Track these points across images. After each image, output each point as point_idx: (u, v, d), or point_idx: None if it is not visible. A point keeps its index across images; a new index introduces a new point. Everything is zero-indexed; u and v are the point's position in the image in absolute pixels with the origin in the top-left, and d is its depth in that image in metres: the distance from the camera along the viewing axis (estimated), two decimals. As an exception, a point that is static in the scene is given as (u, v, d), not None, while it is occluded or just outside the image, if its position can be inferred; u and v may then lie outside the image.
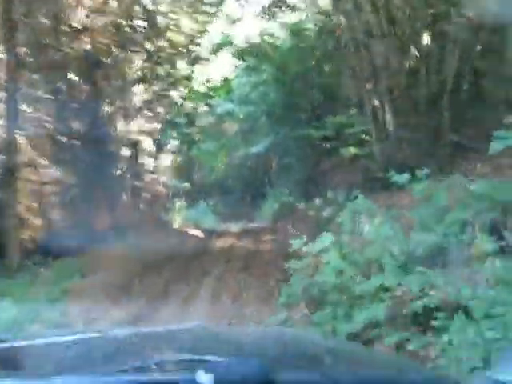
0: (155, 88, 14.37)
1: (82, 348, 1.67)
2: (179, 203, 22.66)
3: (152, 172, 15.34)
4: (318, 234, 5.75)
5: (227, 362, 1.25)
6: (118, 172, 14.59)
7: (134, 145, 14.68)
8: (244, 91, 21.64)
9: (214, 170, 35.87)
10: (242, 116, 23.10)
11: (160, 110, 15.22)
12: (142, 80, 14.07)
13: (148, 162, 15.51)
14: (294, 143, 22.37)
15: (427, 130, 10.06)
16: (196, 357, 1.33)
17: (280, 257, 7.51)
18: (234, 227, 21.90)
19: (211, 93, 20.53)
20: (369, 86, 11.29)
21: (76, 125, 12.73)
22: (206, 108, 21.14)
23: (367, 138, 12.30)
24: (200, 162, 25.08)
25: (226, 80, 21.22)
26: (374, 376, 1.43)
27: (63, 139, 12.38)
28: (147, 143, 15.12)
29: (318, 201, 13.32)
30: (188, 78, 20.23)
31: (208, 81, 20.99)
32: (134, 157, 14.96)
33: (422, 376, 1.53)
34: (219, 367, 1.21)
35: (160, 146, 15.91)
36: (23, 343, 1.71)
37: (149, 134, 14.76)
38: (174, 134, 18.55)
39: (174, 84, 15.76)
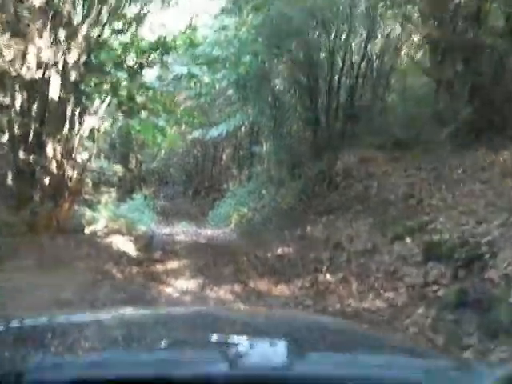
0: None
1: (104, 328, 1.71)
2: (106, 196, 16.26)
3: (60, 142, 8.94)
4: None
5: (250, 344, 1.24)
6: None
7: (31, 86, 8.33)
8: (214, 46, 15.64)
9: (160, 152, 29.40)
10: (206, 81, 16.97)
11: (82, 33, 8.76)
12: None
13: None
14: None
15: None
16: (218, 338, 1.32)
17: None
18: (183, 233, 15.83)
19: (168, 43, 14.12)
20: None
21: None
22: (157, 64, 14.78)
23: None
24: (141, 139, 18.60)
25: (190, 27, 14.90)
26: (395, 361, 1.36)
27: None
28: (55, 90, 8.69)
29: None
30: (137, 20, 13.96)
31: (164, 26, 14.60)
32: (29, 111, 8.67)
33: (445, 364, 1.46)
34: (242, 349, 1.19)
35: (78, 100, 9.54)
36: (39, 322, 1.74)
37: (58, 70, 8.41)
38: (105, 89, 12.14)
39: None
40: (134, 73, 14.00)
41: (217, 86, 17.80)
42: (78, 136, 9.30)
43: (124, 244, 10.98)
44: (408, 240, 6.14)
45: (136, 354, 1.21)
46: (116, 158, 24.07)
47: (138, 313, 2.02)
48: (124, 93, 14.43)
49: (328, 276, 6.25)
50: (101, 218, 14.48)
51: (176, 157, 32.86)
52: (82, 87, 10.32)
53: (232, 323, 1.85)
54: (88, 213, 13.46)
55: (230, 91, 18.57)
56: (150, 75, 15.44)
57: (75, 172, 9.22)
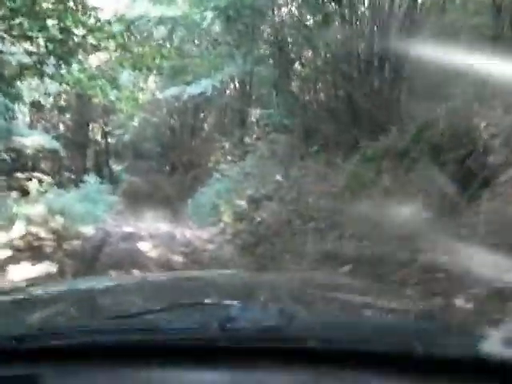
0: None
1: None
2: (35, 182, 10.88)
3: None
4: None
5: (235, 308, 1.25)
6: None
7: None
8: None
9: (132, 121, 23.96)
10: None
11: None
12: None
13: None
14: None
15: None
16: (208, 300, 1.34)
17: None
18: (152, 236, 10.52)
19: None
20: None
21: None
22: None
23: None
24: (87, 97, 13.10)
25: None
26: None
27: None
28: None
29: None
30: None
31: None
32: None
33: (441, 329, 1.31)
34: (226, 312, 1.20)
35: None
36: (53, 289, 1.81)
37: None
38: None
39: None
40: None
41: (197, 20, 12.28)
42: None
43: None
44: None
45: (126, 320, 1.22)
46: (69, 128, 18.65)
47: (135, 279, 2.05)
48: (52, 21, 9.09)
49: None
50: (19, 219, 9.31)
51: (150, 127, 27.86)
52: None
53: (232, 287, 1.81)
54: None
55: (217, 27, 13.05)
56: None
57: None
